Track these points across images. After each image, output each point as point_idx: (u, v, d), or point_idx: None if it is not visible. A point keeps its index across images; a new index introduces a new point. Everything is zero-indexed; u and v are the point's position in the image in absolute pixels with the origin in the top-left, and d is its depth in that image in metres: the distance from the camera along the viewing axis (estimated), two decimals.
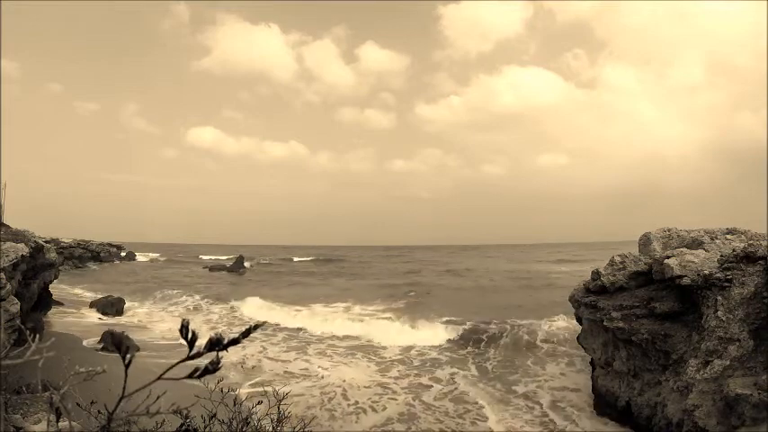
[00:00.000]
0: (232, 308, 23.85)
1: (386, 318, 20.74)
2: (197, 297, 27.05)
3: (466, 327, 17.43)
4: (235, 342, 0.83)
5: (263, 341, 16.53)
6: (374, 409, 10.74)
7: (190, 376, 0.84)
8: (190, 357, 0.81)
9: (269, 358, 14.84)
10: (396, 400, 11.40)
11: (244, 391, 3.08)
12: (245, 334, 0.83)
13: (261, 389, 3.21)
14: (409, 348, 15.91)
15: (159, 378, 0.86)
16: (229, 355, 14.27)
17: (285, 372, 13.53)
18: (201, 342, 0.85)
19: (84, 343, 15.39)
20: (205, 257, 72.97)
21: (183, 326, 0.81)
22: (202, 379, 0.87)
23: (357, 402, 11.08)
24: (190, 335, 0.81)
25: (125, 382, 0.83)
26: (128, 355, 0.81)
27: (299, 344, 16.88)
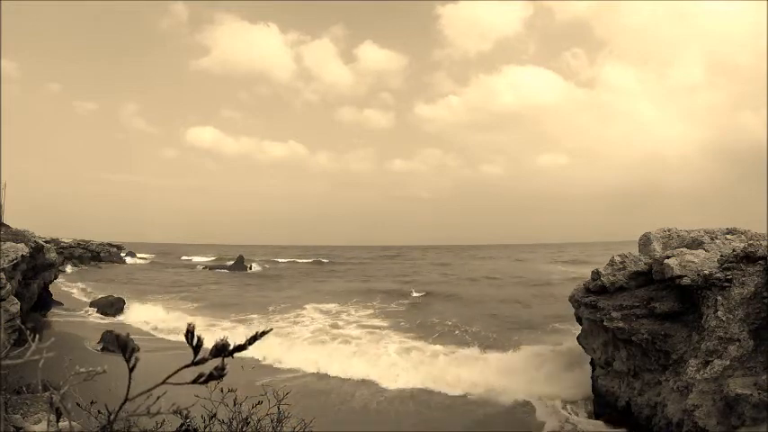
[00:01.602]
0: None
1: (380, 327, 19.17)
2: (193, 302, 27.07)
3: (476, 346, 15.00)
4: (241, 348, 0.83)
5: None
6: None
7: (195, 381, 0.84)
8: (195, 363, 0.81)
9: None
10: None
11: (244, 392, 3.07)
12: (252, 341, 0.83)
13: (261, 389, 3.21)
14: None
15: (164, 382, 0.86)
16: None
17: None
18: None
19: (85, 343, 15.40)
20: (184, 258, 71.60)
21: (188, 331, 0.80)
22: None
23: None
24: (195, 340, 0.81)
25: (129, 384, 0.83)
26: (132, 358, 0.81)
27: None
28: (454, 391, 11.80)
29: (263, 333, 0.86)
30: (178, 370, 0.82)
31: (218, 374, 0.83)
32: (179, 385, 0.83)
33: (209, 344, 0.83)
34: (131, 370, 0.80)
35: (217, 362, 0.83)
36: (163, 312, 22.02)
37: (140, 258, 66.15)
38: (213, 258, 67.36)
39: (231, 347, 0.82)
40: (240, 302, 25.79)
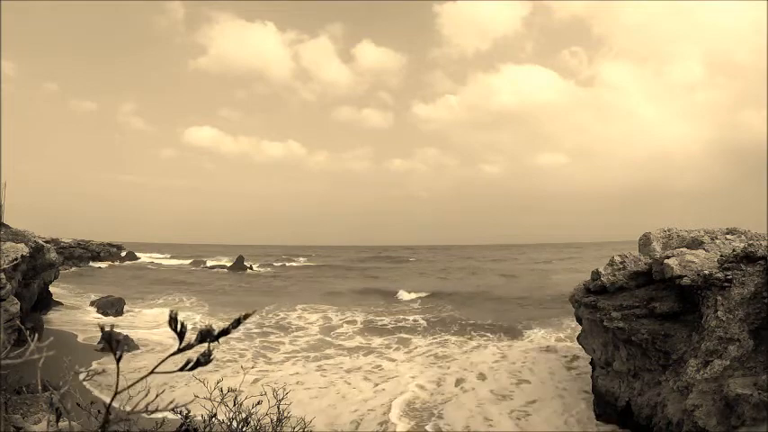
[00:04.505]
0: None
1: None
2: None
3: None
4: (225, 332, 0.82)
5: None
6: None
7: (182, 369, 0.84)
8: (180, 350, 0.80)
9: None
10: None
11: (244, 392, 3.09)
12: (236, 324, 0.82)
13: (261, 389, 3.21)
14: None
15: (152, 372, 0.85)
16: None
17: None
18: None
19: (85, 342, 15.42)
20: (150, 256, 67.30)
21: (171, 318, 0.79)
22: (203, 379, 0.87)
23: None
24: (179, 326, 0.80)
25: (117, 378, 0.82)
26: (119, 352, 0.80)
27: None
28: None
29: (247, 316, 0.85)
30: (165, 358, 0.82)
31: (205, 360, 0.83)
32: (179, 381, 0.83)
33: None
34: (118, 361, 0.80)
35: (203, 348, 0.82)
36: (163, 314, 22.05)
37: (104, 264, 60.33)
38: (190, 261, 62.20)
39: (216, 332, 0.81)
40: (233, 306, 25.67)
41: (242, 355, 14.64)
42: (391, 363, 14.53)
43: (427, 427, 9.92)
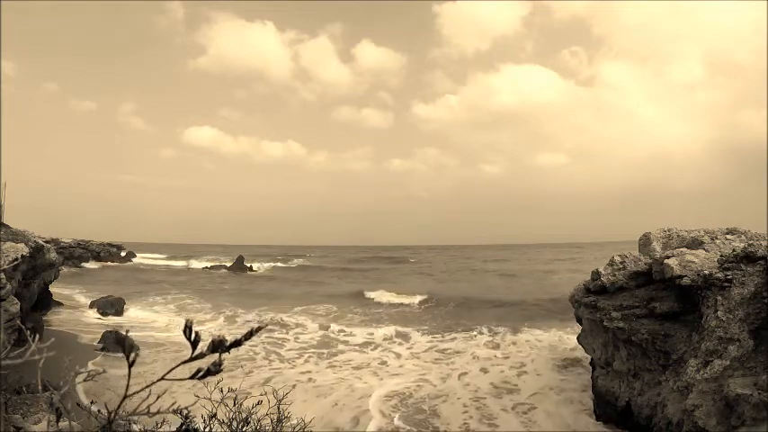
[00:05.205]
0: None
1: None
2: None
3: None
4: (237, 344, 0.83)
5: None
6: None
7: (192, 377, 0.85)
8: (193, 358, 0.81)
9: None
10: None
11: (244, 391, 3.10)
12: (248, 336, 0.84)
13: (261, 389, 3.21)
14: None
15: (161, 379, 0.86)
16: None
17: None
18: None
19: (84, 343, 15.42)
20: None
21: (186, 326, 0.81)
22: (205, 381, 0.87)
23: None
24: (193, 336, 0.81)
25: (128, 381, 0.83)
26: (132, 355, 0.81)
27: None
28: None
29: (259, 328, 0.86)
30: (176, 366, 0.83)
31: (216, 370, 0.84)
32: (179, 381, 0.84)
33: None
34: (131, 365, 0.81)
35: (214, 357, 0.83)
36: (164, 314, 22.09)
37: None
38: (187, 262, 60.50)
39: (228, 343, 0.83)
40: (234, 306, 25.66)
41: (256, 353, 14.81)
42: (395, 360, 14.69)
43: (411, 423, 9.97)
